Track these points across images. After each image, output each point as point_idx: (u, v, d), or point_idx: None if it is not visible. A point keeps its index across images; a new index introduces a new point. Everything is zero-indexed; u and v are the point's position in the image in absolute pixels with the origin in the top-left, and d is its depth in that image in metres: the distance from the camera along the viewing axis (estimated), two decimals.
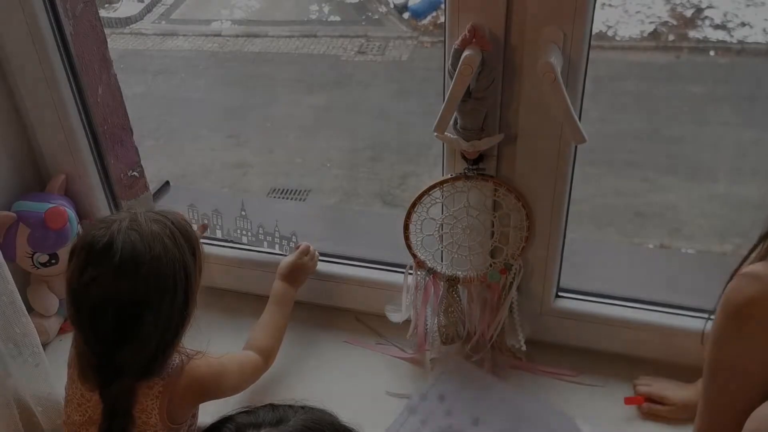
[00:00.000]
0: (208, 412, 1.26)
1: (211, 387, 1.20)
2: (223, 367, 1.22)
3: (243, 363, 1.29)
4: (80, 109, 1.50)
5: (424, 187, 1.31)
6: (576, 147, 1.25)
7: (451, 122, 1.22)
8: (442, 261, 1.40)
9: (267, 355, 1.34)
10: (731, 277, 0.99)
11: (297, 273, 1.46)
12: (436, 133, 1.21)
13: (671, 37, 5.13)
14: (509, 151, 1.27)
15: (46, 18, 1.39)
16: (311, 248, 1.50)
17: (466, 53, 1.11)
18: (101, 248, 1.05)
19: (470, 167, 1.28)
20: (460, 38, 1.13)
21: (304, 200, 4.06)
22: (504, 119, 1.24)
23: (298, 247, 1.49)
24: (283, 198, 4.07)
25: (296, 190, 4.14)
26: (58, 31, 1.42)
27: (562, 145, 1.23)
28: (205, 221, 1.55)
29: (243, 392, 1.30)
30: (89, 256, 1.06)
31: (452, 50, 1.15)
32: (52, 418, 1.36)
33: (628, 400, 1.32)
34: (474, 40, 1.12)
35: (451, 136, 1.23)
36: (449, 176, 1.30)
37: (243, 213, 1.53)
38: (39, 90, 1.46)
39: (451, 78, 1.14)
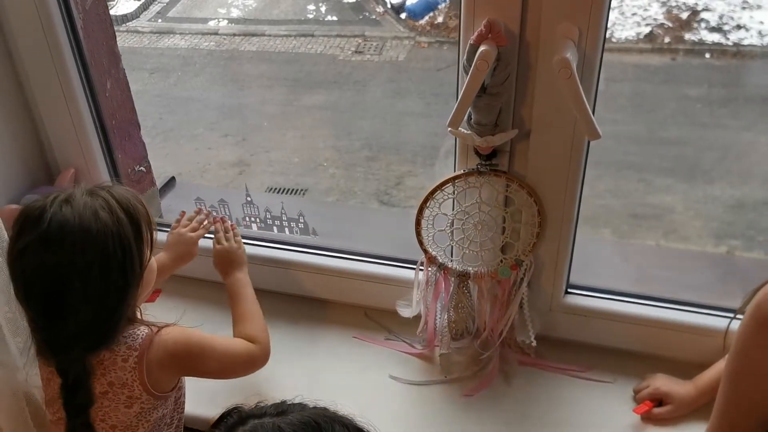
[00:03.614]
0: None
1: (188, 355, 1.18)
2: (204, 340, 1.20)
3: (233, 342, 1.27)
4: (90, 104, 1.50)
5: (437, 183, 1.32)
6: (588, 143, 1.26)
7: (465, 117, 1.22)
8: (452, 257, 1.41)
9: (259, 341, 1.28)
10: (762, 285, 0.98)
11: (222, 260, 1.42)
12: (450, 128, 1.21)
13: (667, 40, 5.14)
14: (522, 147, 1.27)
15: (59, 12, 1.39)
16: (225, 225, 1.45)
17: (481, 48, 1.11)
18: (33, 218, 1.06)
19: (483, 163, 1.28)
20: (476, 33, 1.13)
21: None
22: (518, 115, 1.24)
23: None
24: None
25: (293, 190, 4.14)
26: (70, 25, 1.42)
27: (575, 142, 1.23)
28: (183, 211, 1.53)
29: (254, 389, 1.30)
30: (23, 227, 1.07)
31: (468, 46, 1.15)
32: None
33: (638, 410, 1.32)
34: (490, 35, 1.13)
35: (465, 131, 1.23)
36: (462, 172, 1.30)
37: (248, 199, 1.53)
38: (50, 84, 1.46)
39: (466, 73, 1.14)
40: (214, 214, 1.49)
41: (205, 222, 1.47)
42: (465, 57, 1.16)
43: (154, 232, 1.18)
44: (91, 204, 1.08)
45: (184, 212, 1.51)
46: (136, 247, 1.11)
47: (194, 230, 1.46)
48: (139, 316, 1.18)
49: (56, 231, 1.05)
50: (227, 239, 1.44)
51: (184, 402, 1.26)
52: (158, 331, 1.16)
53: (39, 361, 1.17)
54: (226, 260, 1.42)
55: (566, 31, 1.13)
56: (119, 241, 1.08)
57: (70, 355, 1.10)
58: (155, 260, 1.39)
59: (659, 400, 1.33)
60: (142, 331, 1.15)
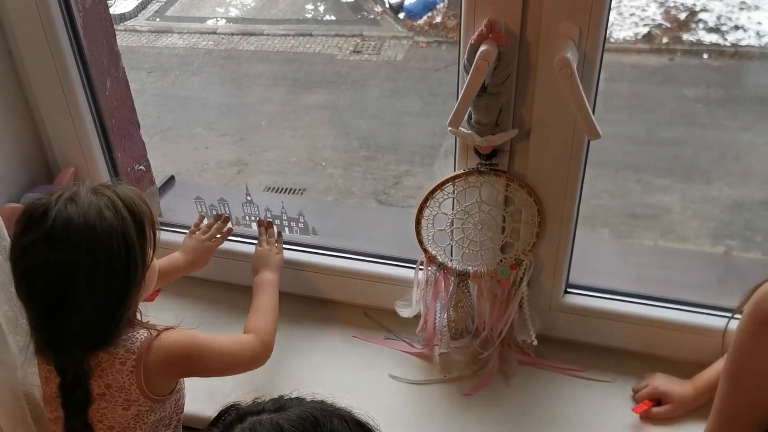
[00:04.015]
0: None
1: (187, 359, 1.17)
2: (204, 341, 1.19)
3: (233, 340, 1.26)
4: (90, 102, 1.51)
5: (437, 182, 1.32)
6: (588, 143, 1.26)
7: (465, 117, 1.22)
8: (452, 256, 1.41)
9: (261, 336, 1.28)
10: (760, 284, 0.98)
11: (259, 260, 1.46)
12: (450, 128, 1.21)
13: (665, 40, 5.15)
14: (522, 147, 1.28)
15: (59, 11, 1.39)
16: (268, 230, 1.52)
17: (482, 48, 1.11)
18: (37, 216, 1.06)
19: (483, 162, 1.28)
20: (476, 33, 1.13)
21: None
22: (518, 115, 1.24)
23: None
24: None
25: (291, 189, 4.14)
26: (70, 24, 1.42)
27: (575, 141, 1.24)
28: (202, 214, 1.55)
29: (253, 387, 1.29)
30: (26, 224, 1.07)
31: (468, 45, 1.15)
32: None
33: (637, 409, 1.33)
34: (490, 35, 1.13)
35: (465, 130, 1.23)
36: (462, 171, 1.30)
37: (249, 198, 1.53)
38: (50, 83, 1.46)
39: (467, 73, 1.14)
40: (267, 217, 1.55)
41: (224, 230, 1.51)
42: (465, 56, 1.16)
43: (157, 232, 1.18)
44: (95, 203, 1.07)
45: (203, 216, 1.53)
46: (140, 246, 1.11)
47: (212, 237, 1.48)
48: (139, 318, 1.18)
49: (61, 229, 1.04)
50: (269, 243, 1.49)
51: (183, 403, 1.25)
52: (157, 335, 1.15)
53: (38, 359, 1.17)
54: (263, 261, 1.45)
55: (567, 30, 1.13)
56: (123, 241, 1.08)
57: (70, 354, 1.09)
58: (170, 259, 1.40)
59: (658, 400, 1.33)
60: (141, 334, 1.14)
